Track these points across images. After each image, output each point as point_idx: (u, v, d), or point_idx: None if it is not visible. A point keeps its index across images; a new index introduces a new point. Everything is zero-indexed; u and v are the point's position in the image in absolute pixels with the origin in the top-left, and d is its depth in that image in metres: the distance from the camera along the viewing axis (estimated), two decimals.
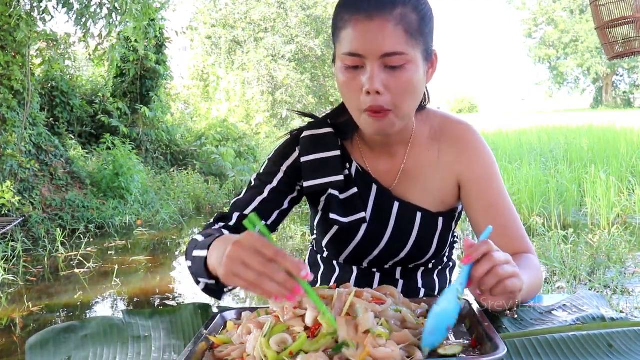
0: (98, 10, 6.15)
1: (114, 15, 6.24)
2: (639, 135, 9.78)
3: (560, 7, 42.13)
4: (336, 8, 0.99)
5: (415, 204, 1.10)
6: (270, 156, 1.16)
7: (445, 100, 55.05)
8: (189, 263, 0.99)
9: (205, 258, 0.91)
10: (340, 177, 1.08)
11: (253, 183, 1.14)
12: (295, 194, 1.14)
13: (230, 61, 20.87)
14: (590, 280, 3.74)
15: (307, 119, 1.19)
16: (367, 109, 0.95)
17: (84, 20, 6.15)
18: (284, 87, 19.37)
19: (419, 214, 1.09)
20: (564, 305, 0.97)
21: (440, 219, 1.11)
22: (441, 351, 0.76)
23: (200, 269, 0.92)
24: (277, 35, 20.43)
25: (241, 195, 1.12)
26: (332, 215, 1.08)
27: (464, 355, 0.76)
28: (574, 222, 5.48)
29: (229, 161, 10.07)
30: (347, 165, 1.11)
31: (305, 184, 1.09)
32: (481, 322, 0.82)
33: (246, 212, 1.09)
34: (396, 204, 1.09)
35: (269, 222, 1.12)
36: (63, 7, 6.10)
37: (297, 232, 5.87)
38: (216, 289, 0.95)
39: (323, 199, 1.13)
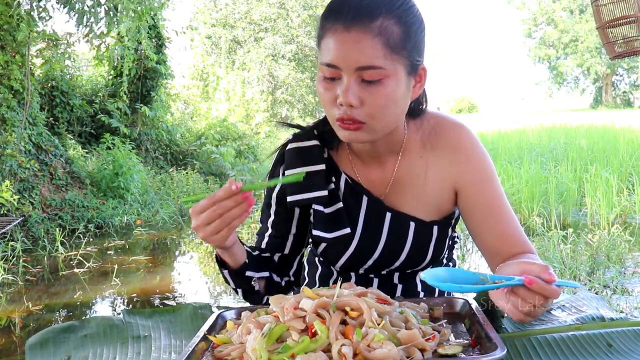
0: (98, 10, 6.15)
1: (111, 14, 6.24)
2: (638, 135, 9.78)
3: (560, 7, 42.12)
4: (321, 15, 0.96)
5: (408, 214, 1.06)
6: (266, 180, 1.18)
7: (445, 100, 55.06)
8: (239, 290, 1.09)
9: (228, 271, 1.04)
10: (324, 193, 1.05)
11: (261, 216, 1.16)
12: (297, 215, 1.13)
13: (231, 61, 20.87)
14: (590, 280, 3.74)
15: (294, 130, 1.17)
16: (338, 119, 0.93)
17: (85, 19, 6.15)
18: (284, 86, 19.37)
19: (412, 224, 1.06)
20: (564, 305, 0.97)
21: (435, 228, 1.07)
22: (441, 351, 0.76)
23: (230, 277, 1.05)
24: (277, 35, 20.42)
25: (260, 227, 1.17)
26: (315, 232, 1.07)
27: (464, 355, 0.76)
28: (574, 222, 5.48)
29: (229, 161, 10.07)
30: (334, 179, 1.08)
31: (289, 198, 1.07)
32: (481, 322, 0.82)
33: (262, 246, 1.14)
34: (388, 215, 1.06)
35: (286, 252, 1.14)
36: (64, 7, 6.10)
37: None
38: (250, 292, 1.08)
39: (312, 211, 1.12)
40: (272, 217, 1.12)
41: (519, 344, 0.83)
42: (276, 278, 1.11)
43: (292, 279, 1.15)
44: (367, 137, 0.95)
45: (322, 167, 1.06)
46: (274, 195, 1.12)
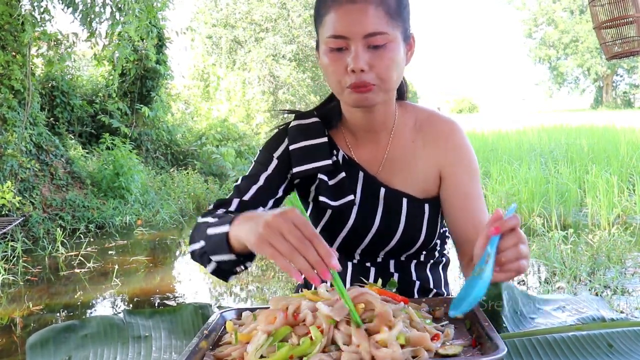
0: (102, 10, 6.15)
1: (117, 15, 6.24)
2: (639, 136, 9.78)
3: (560, 7, 42.12)
4: None
5: (400, 190, 1.13)
6: (262, 147, 1.20)
7: (445, 100, 55.05)
8: (201, 243, 0.99)
9: (227, 233, 0.91)
10: (329, 162, 1.11)
11: (250, 171, 1.17)
12: (286, 183, 1.16)
13: (231, 61, 20.87)
14: (590, 281, 3.74)
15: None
16: (350, 86, 1.00)
17: (89, 19, 6.15)
18: (285, 86, 19.37)
19: (404, 200, 1.12)
20: (564, 306, 0.97)
21: (427, 205, 1.13)
22: (441, 351, 0.76)
23: (220, 245, 0.93)
24: (278, 35, 20.42)
25: (239, 182, 1.15)
26: (321, 198, 1.11)
27: (464, 355, 0.76)
28: (574, 223, 5.48)
29: (230, 161, 10.08)
30: (335, 152, 1.15)
31: (295, 169, 1.12)
32: (481, 322, 0.82)
33: (245, 198, 1.11)
34: (382, 190, 1.13)
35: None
36: (68, 8, 6.10)
37: None
38: (227, 269, 0.98)
39: (313, 188, 1.16)
40: (269, 172, 1.14)
41: (519, 344, 0.83)
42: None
43: None
44: (377, 98, 1.03)
45: (325, 139, 1.14)
46: (277, 154, 1.15)
